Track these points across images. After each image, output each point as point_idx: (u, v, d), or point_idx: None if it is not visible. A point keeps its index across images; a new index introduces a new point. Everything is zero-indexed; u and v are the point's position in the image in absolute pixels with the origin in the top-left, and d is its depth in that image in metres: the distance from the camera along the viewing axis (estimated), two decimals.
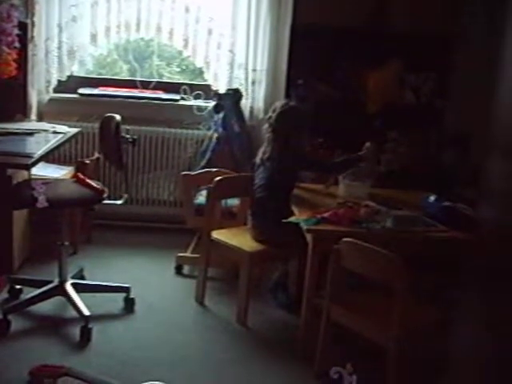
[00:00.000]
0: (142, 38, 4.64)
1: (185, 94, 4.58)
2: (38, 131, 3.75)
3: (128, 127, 3.33)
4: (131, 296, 3.46)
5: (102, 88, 4.58)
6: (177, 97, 4.56)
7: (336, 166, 3.59)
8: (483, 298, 1.47)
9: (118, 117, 3.20)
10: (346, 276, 2.87)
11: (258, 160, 3.54)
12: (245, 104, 4.44)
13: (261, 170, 3.49)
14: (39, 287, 3.34)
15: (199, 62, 4.49)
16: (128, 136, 3.30)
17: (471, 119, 4.08)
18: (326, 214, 3.11)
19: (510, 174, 1.40)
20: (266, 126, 3.54)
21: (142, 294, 3.54)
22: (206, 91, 4.55)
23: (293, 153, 3.43)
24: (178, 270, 3.98)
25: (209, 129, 4.44)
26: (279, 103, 3.56)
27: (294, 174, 3.52)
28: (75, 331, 3.13)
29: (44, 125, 3.99)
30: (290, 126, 3.46)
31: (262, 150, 3.54)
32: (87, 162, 4.04)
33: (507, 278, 1.38)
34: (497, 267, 1.42)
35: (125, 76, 4.82)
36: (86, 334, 3.09)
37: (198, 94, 4.56)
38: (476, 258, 1.55)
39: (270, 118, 3.50)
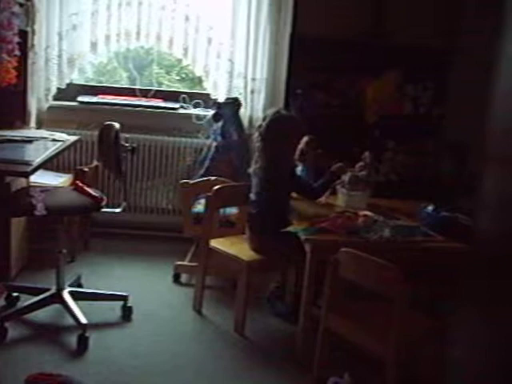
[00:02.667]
0: (141, 47, 4.66)
1: (184, 102, 4.59)
2: (37, 139, 3.76)
3: (127, 135, 3.33)
4: (129, 304, 3.46)
5: (101, 96, 4.59)
6: (176, 105, 4.57)
7: (317, 189, 3.51)
8: (483, 311, 1.48)
9: (117, 125, 3.21)
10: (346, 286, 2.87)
11: (251, 170, 3.51)
12: (244, 113, 4.45)
13: (254, 184, 3.47)
14: (36, 295, 3.33)
15: (199, 71, 4.51)
16: (127, 144, 3.31)
17: (469, 129, 4.10)
18: (324, 224, 3.11)
19: (507, 183, 1.41)
20: (256, 134, 3.47)
21: (140, 303, 3.53)
22: (205, 100, 4.57)
23: (279, 164, 3.37)
24: (176, 278, 3.98)
25: (208, 137, 4.45)
26: (270, 111, 3.48)
27: (284, 187, 3.42)
28: (72, 339, 3.12)
29: (43, 132, 4.00)
30: (278, 135, 3.37)
31: (254, 159, 3.50)
32: (86, 169, 4.04)
33: (507, 288, 1.38)
34: (496, 277, 1.43)
35: (124, 84, 4.84)
36: (83, 342, 3.08)
37: (198, 102, 4.58)
38: (474, 268, 1.56)
39: (261, 126, 3.42)
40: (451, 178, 4.25)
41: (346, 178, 3.53)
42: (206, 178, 3.91)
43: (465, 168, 4.24)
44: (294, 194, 3.54)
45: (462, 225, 3.15)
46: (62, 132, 4.02)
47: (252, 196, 3.47)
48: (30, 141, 3.69)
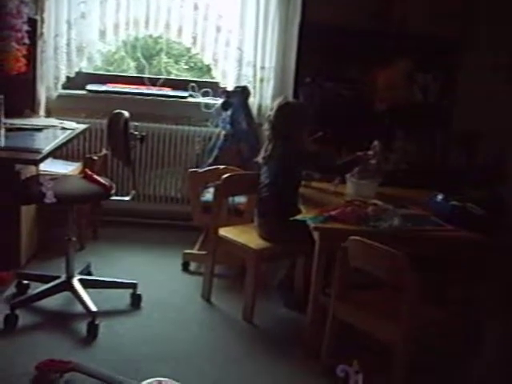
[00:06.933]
0: (150, 35, 4.64)
1: (193, 91, 4.58)
2: (47, 127, 3.77)
3: (136, 124, 3.33)
4: (138, 292, 3.47)
5: (110, 84, 4.58)
6: (185, 94, 4.56)
7: (339, 166, 3.54)
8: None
9: (126, 113, 3.21)
10: (355, 275, 2.87)
11: (260, 159, 3.54)
12: (253, 102, 4.44)
13: (265, 169, 3.49)
14: (46, 282, 3.35)
15: (207, 60, 4.49)
16: (136, 133, 3.31)
17: (478, 119, 4.09)
18: (333, 212, 3.11)
19: None
20: (265, 125, 3.54)
21: (149, 291, 3.54)
22: (214, 88, 4.56)
23: (294, 150, 3.41)
24: (185, 266, 3.99)
25: (216, 126, 4.45)
26: (278, 101, 3.56)
27: (298, 172, 3.50)
28: (82, 327, 3.14)
29: (52, 121, 4.01)
30: (289, 122, 3.44)
31: (263, 149, 3.55)
32: (95, 158, 4.05)
33: None
34: None
35: (132, 73, 4.83)
36: (92, 330, 3.10)
37: (206, 91, 4.57)
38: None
39: (270, 116, 3.51)
40: (461, 167, 4.23)
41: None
42: (214, 167, 3.91)
43: (474, 157, 4.22)
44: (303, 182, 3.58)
45: (471, 214, 3.13)
46: (71, 120, 4.04)
47: (263, 180, 3.47)
48: (39, 129, 3.70)
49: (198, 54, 4.53)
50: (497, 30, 4.13)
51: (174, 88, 4.61)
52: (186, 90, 4.58)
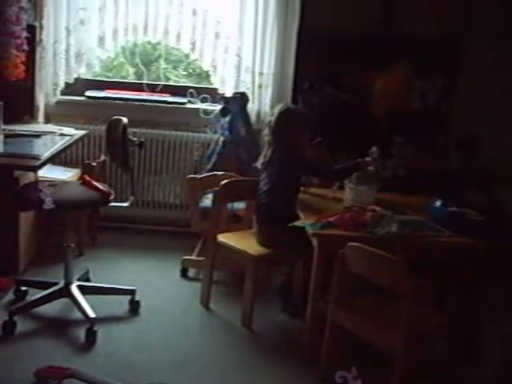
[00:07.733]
0: (148, 42, 4.65)
1: (191, 97, 4.58)
2: (45, 133, 3.78)
3: (135, 130, 3.34)
4: (136, 298, 3.47)
5: (108, 91, 4.59)
6: (183, 100, 4.57)
7: (337, 172, 3.52)
8: None
9: (125, 119, 3.21)
10: (354, 281, 2.87)
11: (259, 165, 3.54)
12: (251, 108, 4.45)
13: (264, 175, 3.50)
14: (45, 289, 3.34)
15: (206, 66, 4.50)
16: (135, 139, 3.31)
17: (478, 123, 4.09)
18: (331, 219, 3.11)
19: None
20: (266, 130, 3.55)
21: (148, 297, 3.54)
22: (212, 95, 4.56)
23: (293, 155, 3.42)
24: (184, 272, 3.99)
25: (215, 132, 4.45)
26: (279, 106, 3.57)
27: (297, 178, 3.50)
28: (80, 333, 3.13)
29: (51, 127, 4.02)
30: (289, 127, 3.44)
31: (262, 154, 3.55)
32: (94, 164, 4.05)
33: None
34: None
35: (131, 79, 4.84)
36: (91, 336, 3.10)
37: (205, 97, 4.57)
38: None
39: (270, 121, 3.51)
40: (459, 173, 4.24)
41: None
42: (213, 173, 3.90)
43: (473, 162, 4.23)
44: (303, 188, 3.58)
45: (470, 220, 3.14)
46: (70, 126, 4.04)
47: (262, 186, 3.48)
48: (38, 135, 3.71)
49: (196, 60, 4.54)
50: (496, 33, 4.15)
51: (173, 94, 4.62)
52: (184, 96, 4.58)
